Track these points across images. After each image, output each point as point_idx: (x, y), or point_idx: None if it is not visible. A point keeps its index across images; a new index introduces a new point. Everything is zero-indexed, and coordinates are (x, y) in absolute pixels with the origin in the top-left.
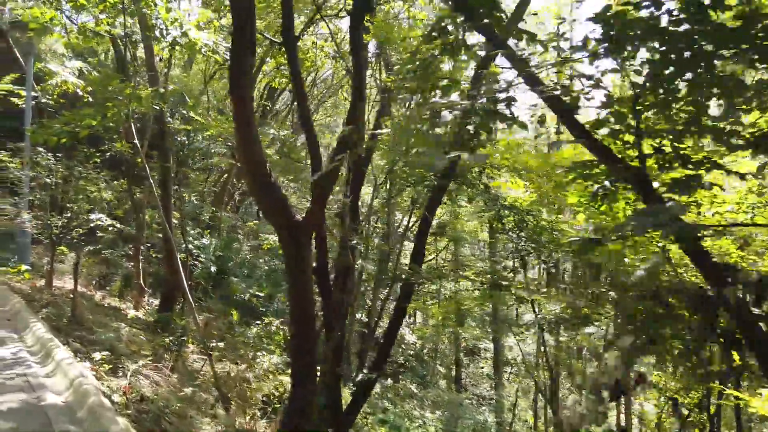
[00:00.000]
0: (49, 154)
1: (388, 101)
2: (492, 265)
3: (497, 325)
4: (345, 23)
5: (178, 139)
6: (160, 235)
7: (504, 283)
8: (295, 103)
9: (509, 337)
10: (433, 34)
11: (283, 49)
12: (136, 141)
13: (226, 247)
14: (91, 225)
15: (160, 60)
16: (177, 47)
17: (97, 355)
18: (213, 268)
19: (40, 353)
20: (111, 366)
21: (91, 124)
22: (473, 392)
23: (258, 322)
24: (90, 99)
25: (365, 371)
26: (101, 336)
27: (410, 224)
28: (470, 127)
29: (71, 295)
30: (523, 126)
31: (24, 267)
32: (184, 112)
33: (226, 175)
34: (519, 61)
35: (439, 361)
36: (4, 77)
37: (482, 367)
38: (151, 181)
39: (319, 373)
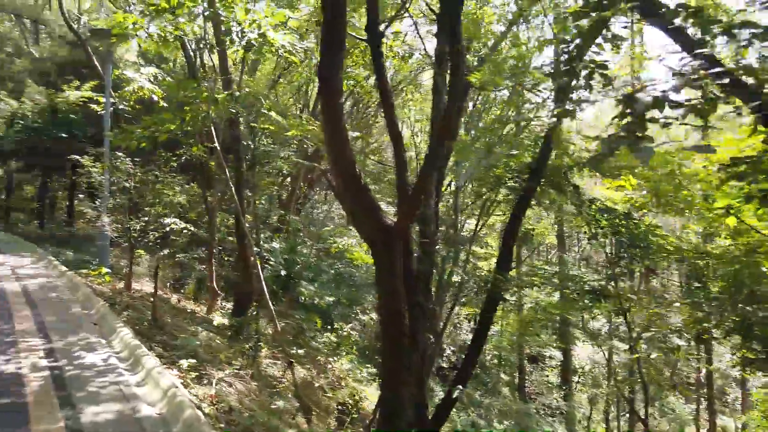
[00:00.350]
0: (128, 158)
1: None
2: (575, 271)
3: (567, 333)
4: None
5: (246, 142)
6: (231, 238)
7: (604, 292)
8: (357, 105)
9: (578, 346)
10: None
11: (353, 49)
12: (216, 145)
13: (291, 250)
14: (167, 229)
15: (234, 64)
16: (252, 50)
17: (183, 363)
18: (283, 272)
19: (130, 360)
20: (196, 374)
21: (170, 128)
22: (542, 402)
23: (328, 327)
24: (165, 104)
25: (436, 380)
26: (183, 341)
27: (479, 228)
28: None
29: (151, 299)
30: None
31: (104, 269)
32: (265, 111)
33: (293, 179)
34: (687, 39)
35: (502, 368)
36: (84, 85)
37: (547, 376)
38: (230, 184)
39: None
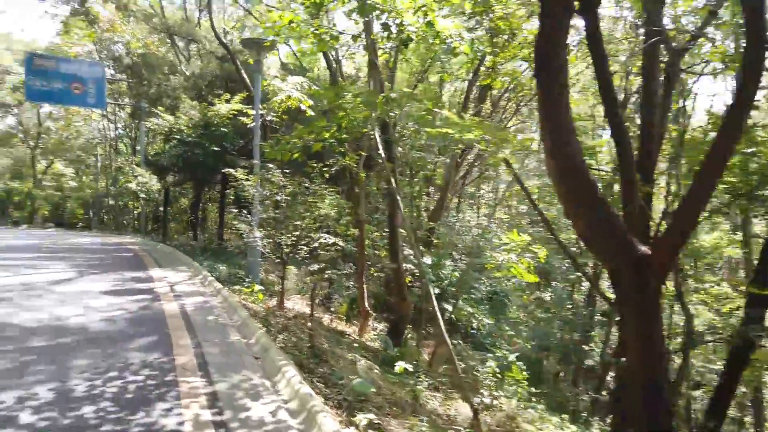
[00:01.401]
0: (278, 170)
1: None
2: None
3: None
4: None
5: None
6: (377, 252)
7: None
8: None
9: None
10: None
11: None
12: (381, 151)
13: (438, 265)
14: (316, 244)
15: (386, 63)
16: (409, 43)
17: (361, 419)
18: (436, 290)
19: (301, 415)
20: None
21: (324, 136)
22: None
23: (490, 354)
24: (312, 113)
25: None
26: (353, 385)
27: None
28: None
29: (304, 320)
30: None
31: (257, 287)
32: (437, 111)
33: (442, 189)
34: None
35: None
36: (233, 98)
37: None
38: (398, 197)
39: None
